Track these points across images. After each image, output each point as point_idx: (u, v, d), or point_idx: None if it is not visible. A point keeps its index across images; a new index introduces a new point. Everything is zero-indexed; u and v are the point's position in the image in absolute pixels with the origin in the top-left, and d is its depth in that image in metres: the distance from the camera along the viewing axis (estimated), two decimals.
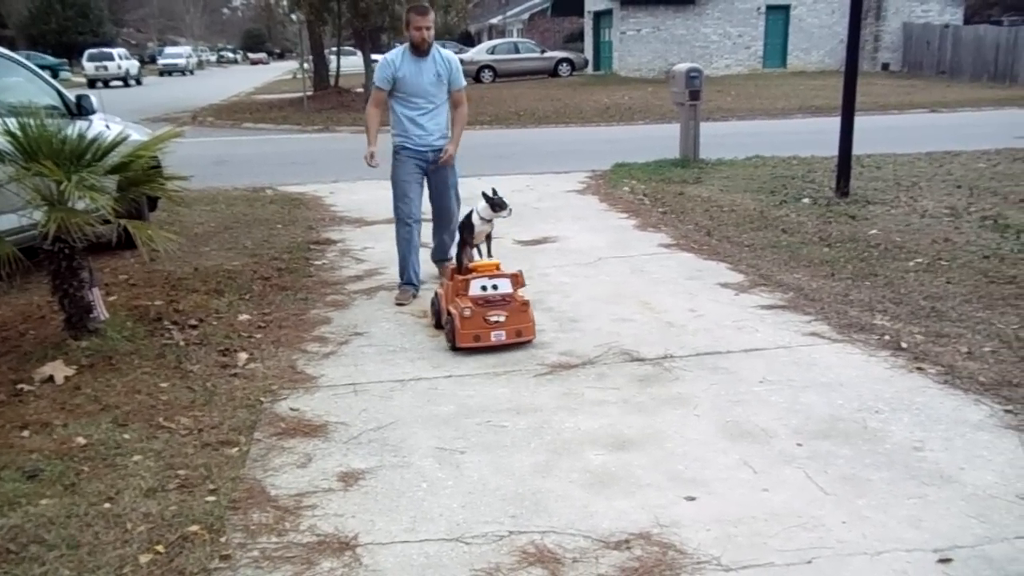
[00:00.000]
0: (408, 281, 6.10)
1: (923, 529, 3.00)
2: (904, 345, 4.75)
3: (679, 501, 3.23)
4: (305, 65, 25.28)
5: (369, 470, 3.53)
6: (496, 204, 5.52)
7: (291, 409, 4.14)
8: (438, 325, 5.21)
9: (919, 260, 6.42)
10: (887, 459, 3.51)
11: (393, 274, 6.34)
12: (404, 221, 6.07)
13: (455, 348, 4.84)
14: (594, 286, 6.14)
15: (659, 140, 12.92)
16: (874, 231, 7.39)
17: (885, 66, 31.67)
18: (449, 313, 4.95)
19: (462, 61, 30.89)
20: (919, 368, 4.45)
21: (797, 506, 3.17)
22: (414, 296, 6.04)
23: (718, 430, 3.83)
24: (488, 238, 5.68)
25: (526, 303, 4.93)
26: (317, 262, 7.04)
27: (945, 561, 2.81)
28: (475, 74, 31.54)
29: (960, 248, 6.73)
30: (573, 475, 3.45)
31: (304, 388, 4.41)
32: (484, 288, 4.91)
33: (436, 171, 6.12)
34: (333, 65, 26.85)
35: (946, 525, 3.02)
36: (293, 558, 2.92)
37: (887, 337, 4.88)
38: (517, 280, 5.00)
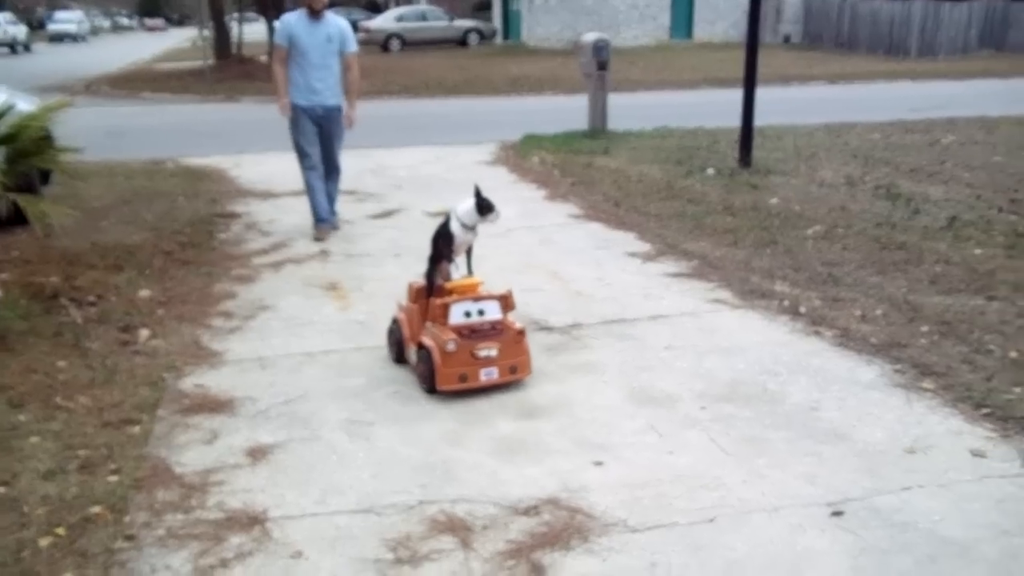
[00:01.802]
0: (320, 219, 6.91)
1: (818, 484, 3.14)
2: (802, 310, 4.92)
3: (587, 466, 3.30)
4: (205, 32, 24.44)
5: (278, 444, 3.49)
6: (484, 207, 4.21)
7: (196, 385, 4.06)
8: (399, 360, 4.28)
9: (817, 228, 6.64)
10: (785, 419, 3.65)
11: (301, 248, 6.56)
12: (308, 168, 6.88)
13: (433, 391, 3.90)
14: (504, 256, 6.17)
15: (568, 112, 12.99)
16: (775, 200, 7.61)
17: (787, 38, 32.39)
18: (422, 346, 3.97)
19: (368, 30, 30.11)
20: (816, 332, 4.63)
21: (700, 467, 3.28)
22: (334, 227, 6.96)
23: (625, 396, 3.91)
24: (469, 251, 4.35)
25: (521, 332, 4.02)
26: (222, 236, 6.88)
27: (837, 514, 2.95)
28: (383, 43, 31.02)
29: (855, 216, 6.99)
30: (483, 444, 3.48)
31: (209, 364, 4.32)
32: (468, 315, 3.98)
33: (327, 126, 6.83)
34: (235, 32, 26.05)
35: (839, 480, 3.16)
36: (200, 535, 2.88)
37: (786, 303, 5.05)
38: (507, 303, 4.08)
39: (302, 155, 6.86)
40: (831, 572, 2.64)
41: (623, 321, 4.85)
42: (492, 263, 5.95)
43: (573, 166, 9.57)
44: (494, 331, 3.96)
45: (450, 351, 3.83)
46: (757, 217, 7.05)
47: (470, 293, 4.06)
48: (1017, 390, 3.81)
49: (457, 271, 4.29)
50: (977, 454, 3.32)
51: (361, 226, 7.19)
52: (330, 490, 3.15)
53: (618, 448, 3.43)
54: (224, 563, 2.73)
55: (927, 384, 3.94)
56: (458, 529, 2.89)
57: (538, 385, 4.03)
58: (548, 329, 4.73)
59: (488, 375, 3.91)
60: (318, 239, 6.73)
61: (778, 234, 6.54)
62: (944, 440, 3.44)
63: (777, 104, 13.79)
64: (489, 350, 3.90)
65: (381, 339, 4.56)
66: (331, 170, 7.05)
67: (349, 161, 9.07)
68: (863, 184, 8.22)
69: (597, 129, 11.66)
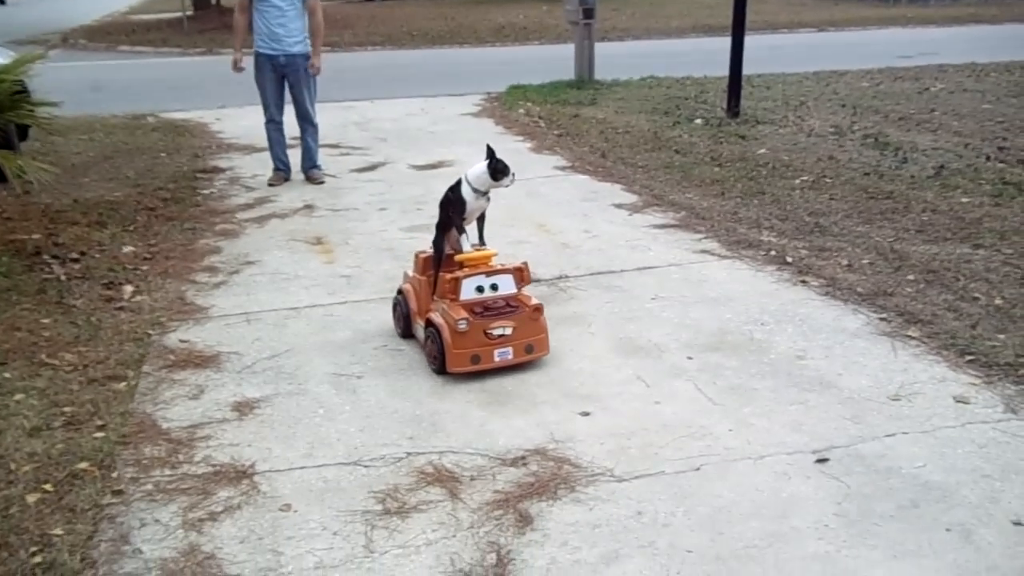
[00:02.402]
0: (277, 167, 7.04)
1: (803, 432, 3.16)
2: (789, 260, 4.92)
3: (574, 417, 3.31)
4: None
5: (264, 399, 3.49)
6: (499, 169, 3.90)
7: (181, 341, 4.04)
8: (406, 335, 4.02)
9: (805, 178, 6.62)
10: (772, 368, 3.67)
11: (285, 202, 6.52)
12: (270, 119, 6.94)
13: (443, 372, 3.63)
14: (490, 209, 6.11)
15: (554, 61, 12.83)
16: (763, 150, 7.57)
17: None
18: (430, 324, 3.69)
19: None
20: (803, 281, 4.63)
21: (687, 417, 3.29)
22: (285, 179, 7.02)
23: (612, 347, 3.92)
24: (481, 219, 4.05)
25: (538, 308, 3.72)
26: (205, 191, 6.81)
27: (822, 461, 2.97)
28: None
29: (843, 166, 6.96)
30: (470, 396, 3.49)
31: (194, 319, 4.30)
32: (480, 290, 3.71)
33: (292, 75, 6.76)
34: None
35: (824, 427, 3.18)
36: (188, 489, 2.88)
37: (773, 252, 5.05)
38: (522, 276, 3.83)
39: (263, 106, 6.90)
40: (815, 518, 2.66)
41: (610, 272, 4.84)
42: None
43: (559, 117, 9.49)
44: (509, 308, 3.68)
45: (462, 331, 3.55)
46: (745, 167, 7.02)
47: (482, 266, 3.78)
48: (1001, 337, 3.83)
49: (468, 241, 3.94)
50: (961, 400, 3.35)
51: (346, 180, 7.13)
52: (317, 443, 3.15)
53: (605, 398, 3.44)
54: (213, 516, 2.74)
55: (912, 332, 3.95)
56: (446, 480, 2.90)
57: None
58: (536, 281, 4.70)
59: (502, 355, 3.64)
60: (270, 185, 6.89)
61: (766, 184, 6.51)
62: (928, 387, 3.46)
63: (766, 52, 13.66)
64: (504, 329, 3.62)
65: (367, 293, 4.55)
66: (304, 123, 6.96)
67: (333, 113, 9.00)
68: (851, 133, 8.18)
69: (583, 79, 11.55)
